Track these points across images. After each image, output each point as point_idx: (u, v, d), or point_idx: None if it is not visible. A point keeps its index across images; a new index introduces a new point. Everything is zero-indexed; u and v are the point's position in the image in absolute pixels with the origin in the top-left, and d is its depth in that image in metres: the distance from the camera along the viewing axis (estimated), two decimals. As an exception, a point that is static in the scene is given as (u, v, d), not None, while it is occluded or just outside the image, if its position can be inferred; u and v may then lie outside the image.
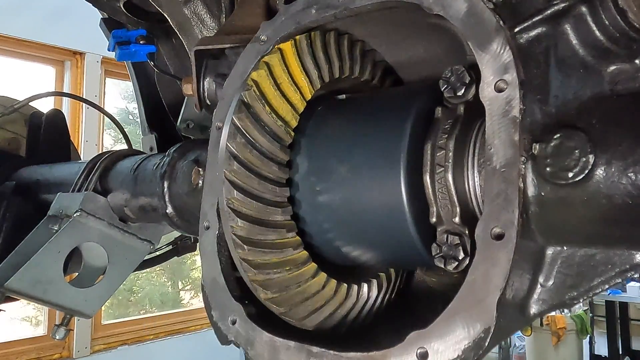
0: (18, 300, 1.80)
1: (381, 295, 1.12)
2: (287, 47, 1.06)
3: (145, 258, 1.87)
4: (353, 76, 1.15)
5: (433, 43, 1.08)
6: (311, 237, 1.06)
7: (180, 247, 2.20)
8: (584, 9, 0.79)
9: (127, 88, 7.24)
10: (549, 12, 0.80)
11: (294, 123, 1.06)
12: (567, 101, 0.78)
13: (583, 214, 0.73)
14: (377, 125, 1.01)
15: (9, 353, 5.08)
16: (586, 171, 0.72)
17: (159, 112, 2.09)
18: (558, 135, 0.75)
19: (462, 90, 0.90)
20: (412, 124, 0.95)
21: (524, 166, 0.75)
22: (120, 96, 7.45)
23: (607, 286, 0.77)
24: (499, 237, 0.74)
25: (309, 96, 1.07)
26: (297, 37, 1.07)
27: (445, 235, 0.90)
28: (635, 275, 0.77)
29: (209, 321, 1.06)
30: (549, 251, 0.80)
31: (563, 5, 0.79)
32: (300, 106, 1.06)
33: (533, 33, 0.81)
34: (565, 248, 0.79)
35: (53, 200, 1.73)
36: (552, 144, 0.75)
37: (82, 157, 2.70)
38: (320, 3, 1.02)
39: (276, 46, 1.07)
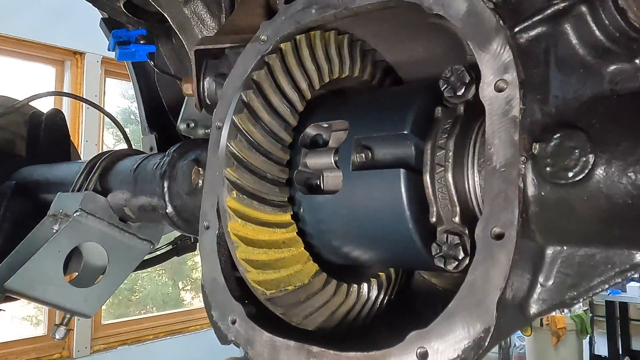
0: (18, 300, 1.80)
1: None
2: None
3: (145, 258, 1.87)
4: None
5: (433, 43, 1.08)
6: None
7: (180, 247, 2.20)
8: (584, 8, 0.79)
9: (129, 87, 7.25)
10: (549, 11, 0.80)
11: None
12: (567, 101, 0.78)
13: (583, 213, 0.73)
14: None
15: (8, 353, 5.08)
16: (586, 171, 0.72)
17: (159, 112, 2.09)
18: (558, 135, 0.75)
19: (462, 90, 0.90)
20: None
21: (524, 166, 0.75)
22: (122, 96, 7.45)
23: (607, 286, 0.77)
24: (499, 237, 0.74)
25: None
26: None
27: (445, 235, 0.90)
28: (635, 275, 0.77)
29: (209, 321, 1.06)
30: (549, 251, 0.80)
31: (563, 5, 0.79)
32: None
33: (533, 33, 0.81)
34: (565, 248, 0.79)
35: (53, 200, 1.73)
36: (552, 144, 0.75)
37: (82, 157, 2.71)
38: (320, 3, 1.02)
39: (276, 46, 1.07)
